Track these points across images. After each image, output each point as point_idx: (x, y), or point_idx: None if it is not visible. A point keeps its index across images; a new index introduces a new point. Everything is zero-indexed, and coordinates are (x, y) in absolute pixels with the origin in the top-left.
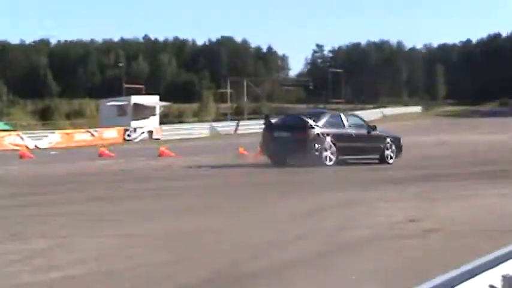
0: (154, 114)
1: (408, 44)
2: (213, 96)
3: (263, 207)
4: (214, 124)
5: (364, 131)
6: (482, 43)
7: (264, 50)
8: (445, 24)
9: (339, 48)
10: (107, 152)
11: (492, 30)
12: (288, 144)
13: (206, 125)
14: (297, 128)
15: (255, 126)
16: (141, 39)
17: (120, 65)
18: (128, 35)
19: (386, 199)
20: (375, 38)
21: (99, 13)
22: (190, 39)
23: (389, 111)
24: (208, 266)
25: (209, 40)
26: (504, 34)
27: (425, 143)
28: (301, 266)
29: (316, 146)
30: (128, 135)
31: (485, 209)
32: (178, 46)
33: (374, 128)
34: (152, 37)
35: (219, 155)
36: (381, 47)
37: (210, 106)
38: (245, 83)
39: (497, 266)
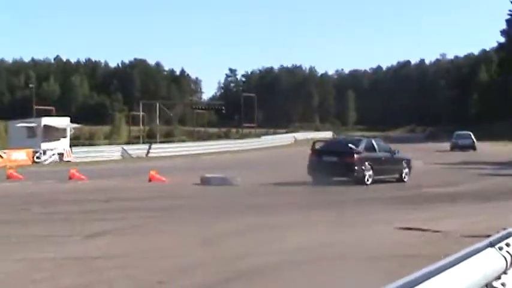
0: (64, 136)
1: (320, 70)
2: (125, 119)
3: (173, 230)
4: (126, 147)
5: (389, 155)
6: (392, 70)
7: (177, 73)
8: (357, 51)
9: (252, 72)
10: (15, 174)
11: (402, 58)
12: (335, 167)
13: (118, 148)
14: (345, 153)
15: (167, 149)
16: (53, 60)
17: (31, 86)
18: (39, 55)
19: (293, 224)
20: (288, 63)
21: (9, 32)
22: (102, 61)
23: (300, 136)
24: None
25: (122, 62)
26: (413, 62)
27: None
28: None
29: (360, 168)
30: (38, 157)
31: (400, 233)
32: (91, 68)
33: (396, 151)
34: (64, 58)
35: (130, 178)
36: (293, 72)
37: (122, 129)
38: (158, 106)
39: None
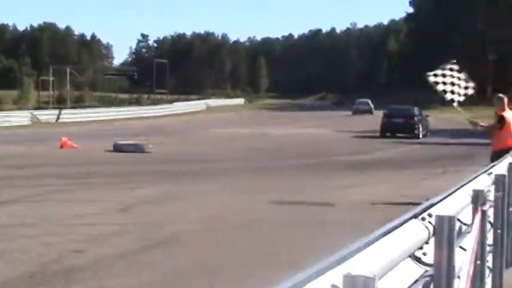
0: None
1: (233, 37)
2: (34, 84)
3: (89, 197)
4: (35, 112)
5: (424, 118)
6: (304, 38)
7: (88, 37)
8: (269, 19)
9: (164, 38)
10: None
11: (313, 26)
12: (401, 126)
13: (26, 113)
14: (408, 116)
15: (78, 115)
16: None
17: None
18: None
19: (204, 192)
20: (201, 30)
21: None
22: (10, 24)
23: (213, 102)
24: (30, 261)
25: (31, 26)
26: (324, 30)
27: (247, 135)
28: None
29: (418, 127)
30: None
31: (310, 201)
32: None
33: (427, 116)
34: None
35: (41, 144)
36: (205, 39)
37: (30, 94)
38: (68, 71)
39: (338, 266)
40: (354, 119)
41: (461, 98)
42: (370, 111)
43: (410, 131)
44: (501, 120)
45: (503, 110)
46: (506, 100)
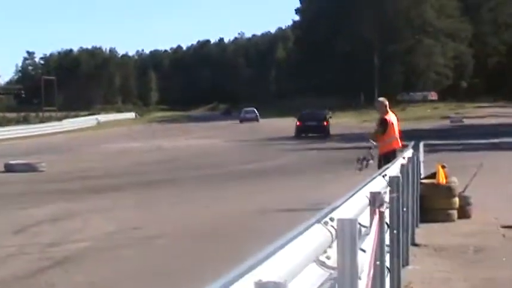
0: None
1: (121, 51)
2: None
3: None
4: None
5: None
6: (192, 49)
7: None
8: (157, 31)
9: (51, 54)
10: None
11: (202, 37)
12: (314, 128)
13: None
14: (321, 119)
15: None
16: None
17: None
18: None
19: (103, 209)
20: (88, 45)
21: None
22: None
23: (103, 118)
24: None
25: None
26: (213, 41)
27: (139, 149)
28: (16, 283)
29: (328, 128)
30: None
31: (205, 212)
32: None
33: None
34: None
35: None
36: (93, 54)
37: None
38: None
39: (248, 274)
40: (242, 127)
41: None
42: (256, 119)
43: (322, 131)
44: (383, 123)
45: (386, 113)
46: (387, 103)
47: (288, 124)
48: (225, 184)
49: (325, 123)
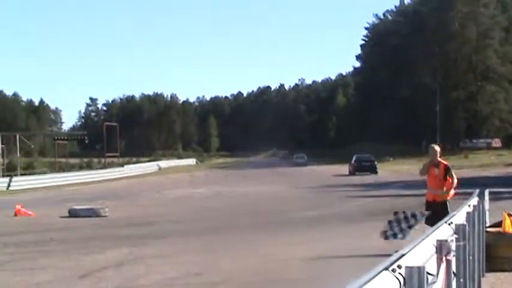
0: None
1: (182, 97)
2: None
3: (48, 265)
4: None
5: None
6: (252, 96)
7: (36, 103)
8: (217, 78)
9: (113, 101)
10: None
11: (262, 83)
12: (367, 167)
13: None
14: (372, 160)
15: (29, 182)
16: None
17: None
18: None
19: (165, 254)
20: (149, 91)
21: None
22: None
23: (164, 164)
24: None
25: None
26: (273, 87)
27: (200, 195)
28: None
29: (376, 167)
30: None
31: (266, 258)
32: None
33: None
34: None
35: None
36: (154, 100)
37: None
38: (18, 138)
39: None
40: (300, 171)
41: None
42: (304, 164)
43: (373, 170)
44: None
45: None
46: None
47: (341, 171)
48: (284, 231)
49: (374, 163)
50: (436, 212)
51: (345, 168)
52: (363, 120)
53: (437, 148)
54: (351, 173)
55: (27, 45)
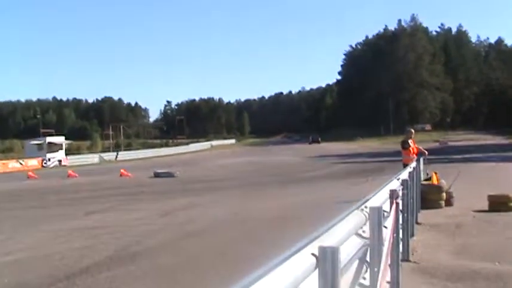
0: (61, 149)
1: (225, 99)
2: (100, 136)
3: (141, 207)
4: (102, 154)
5: None
6: (272, 98)
7: (133, 104)
8: (248, 85)
9: (181, 102)
10: (32, 175)
11: (278, 90)
12: (316, 141)
13: (96, 155)
14: (317, 138)
15: (128, 155)
16: (51, 99)
17: (38, 116)
18: (42, 96)
19: (216, 201)
20: (204, 96)
21: (23, 80)
22: (84, 98)
23: (214, 143)
24: (110, 249)
25: (96, 99)
26: (285, 92)
27: (237, 162)
28: (167, 246)
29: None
30: (45, 163)
31: (281, 203)
32: (76, 103)
33: None
34: (58, 97)
35: (107, 174)
36: (208, 102)
37: (98, 142)
38: (121, 127)
39: (315, 240)
40: (310, 147)
41: None
42: (318, 141)
43: (318, 142)
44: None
45: (409, 138)
46: (413, 131)
47: (336, 147)
48: (293, 184)
49: (319, 139)
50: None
51: (328, 145)
52: (342, 114)
53: (413, 130)
54: (310, 143)
55: (130, 63)
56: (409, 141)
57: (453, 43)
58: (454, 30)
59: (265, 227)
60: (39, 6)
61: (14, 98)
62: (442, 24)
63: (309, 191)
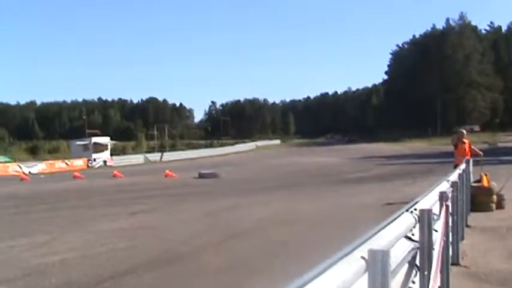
0: (107, 149)
1: (270, 100)
2: (144, 136)
3: (186, 208)
4: (147, 155)
5: None
6: (317, 99)
7: (177, 105)
8: (293, 86)
9: (226, 103)
10: (78, 174)
11: (323, 90)
12: (353, 141)
13: (141, 155)
14: (355, 138)
15: (173, 155)
16: (96, 100)
17: (84, 117)
18: (87, 97)
19: (261, 202)
20: (249, 96)
21: (69, 81)
22: (129, 99)
23: (259, 143)
24: (155, 249)
25: (141, 99)
26: (330, 93)
27: (284, 163)
28: (210, 248)
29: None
30: (91, 163)
31: (330, 204)
32: (121, 104)
33: None
34: (104, 98)
35: (152, 175)
36: (253, 102)
37: (142, 143)
38: (166, 128)
39: (365, 243)
40: (353, 148)
41: None
42: (355, 141)
43: (354, 142)
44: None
45: (460, 139)
46: (464, 132)
47: (381, 148)
48: (339, 186)
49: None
50: None
51: (370, 146)
52: (389, 114)
53: (464, 131)
54: (347, 143)
55: (175, 63)
56: (463, 139)
57: (503, 42)
58: (504, 28)
59: (313, 229)
60: (93, 6)
61: (60, 99)
62: (491, 23)
63: (358, 193)
